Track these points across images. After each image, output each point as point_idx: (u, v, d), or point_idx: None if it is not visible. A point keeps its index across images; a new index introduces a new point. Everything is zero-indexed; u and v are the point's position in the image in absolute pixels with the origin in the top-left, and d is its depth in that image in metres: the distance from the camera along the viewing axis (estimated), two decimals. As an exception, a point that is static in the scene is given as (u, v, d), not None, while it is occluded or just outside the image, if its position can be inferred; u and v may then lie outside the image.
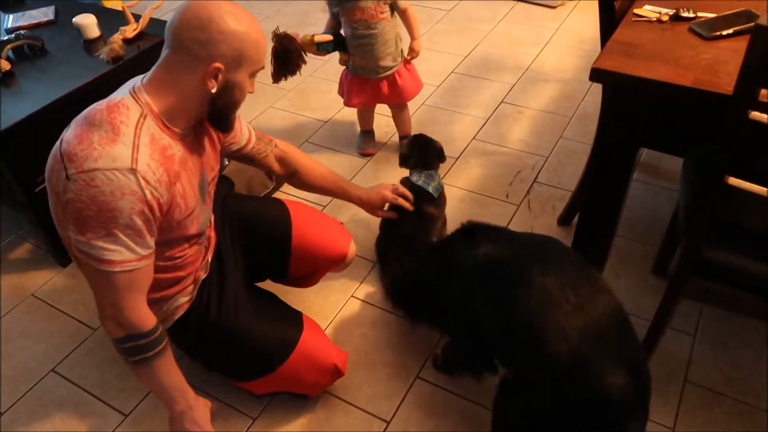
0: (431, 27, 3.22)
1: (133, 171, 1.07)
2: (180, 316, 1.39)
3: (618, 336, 1.14)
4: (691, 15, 1.39)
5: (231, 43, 1.10)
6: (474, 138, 2.44)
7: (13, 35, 1.99)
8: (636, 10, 1.44)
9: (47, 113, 1.76)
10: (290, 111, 2.67)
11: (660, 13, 1.41)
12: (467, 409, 1.55)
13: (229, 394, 1.58)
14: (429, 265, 1.56)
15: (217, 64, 1.11)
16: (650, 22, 1.40)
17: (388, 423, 1.53)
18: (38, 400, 1.63)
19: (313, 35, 2.00)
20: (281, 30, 1.90)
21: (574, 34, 3.08)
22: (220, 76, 1.13)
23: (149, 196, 1.09)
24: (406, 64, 2.22)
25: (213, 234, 1.49)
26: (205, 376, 1.58)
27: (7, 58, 1.94)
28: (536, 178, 2.24)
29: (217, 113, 1.20)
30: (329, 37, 2.06)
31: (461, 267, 1.40)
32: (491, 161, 2.32)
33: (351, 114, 2.61)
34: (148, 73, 1.16)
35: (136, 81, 1.18)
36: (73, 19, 2.05)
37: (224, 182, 1.67)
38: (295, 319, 1.49)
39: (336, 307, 1.82)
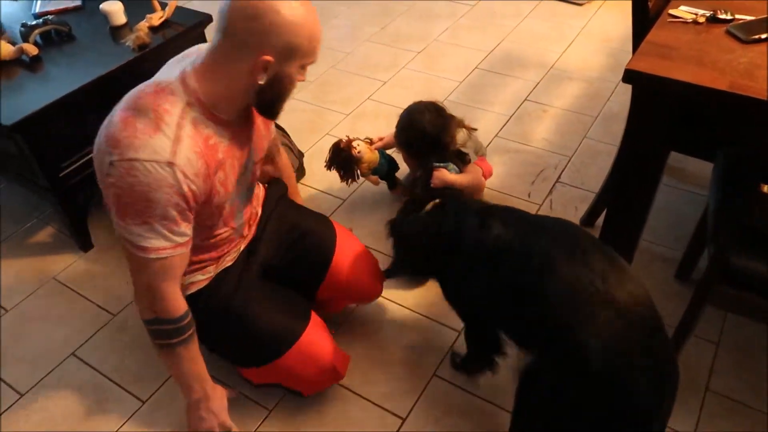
0: (455, 22, 3.20)
1: (171, 164, 1.07)
2: (192, 292, 1.38)
3: (647, 329, 1.12)
4: (729, 17, 1.36)
5: (283, 35, 1.07)
6: (497, 135, 2.42)
7: (41, 20, 2.00)
8: (671, 11, 1.41)
9: (72, 99, 1.77)
10: (312, 103, 2.66)
11: (696, 14, 1.38)
12: (483, 409, 1.54)
13: (246, 385, 1.59)
14: (431, 234, 1.46)
15: (267, 57, 1.08)
16: (686, 23, 1.37)
17: (403, 420, 1.53)
18: (58, 383, 1.65)
19: (372, 144, 2.02)
20: (343, 140, 1.97)
21: (600, 33, 3.04)
22: (269, 68, 1.10)
23: (185, 189, 1.10)
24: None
25: (254, 228, 1.50)
26: (220, 365, 1.59)
27: (35, 43, 1.96)
28: (559, 177, 2.21)
29: (264, 103, 1.19)
30: (377, 156, 2.01)
31: (470, 247, 1.34)
32: (514, 159, 2.30)
33: (373, 107, 2.60)
34: (200, 56, 1.14)
35: (187, 63, 1.16)
36: (100, 6, 2.06)
37: (279, 183, 1.66)
38: (302, 313, 1.47)
39: (354, 301, 1.82)
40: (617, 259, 1.20)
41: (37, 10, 2.16)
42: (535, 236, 1.25)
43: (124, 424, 1.55)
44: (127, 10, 2.08)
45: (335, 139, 2.00)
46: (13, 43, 1.93)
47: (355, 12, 3.33)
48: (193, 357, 1.27)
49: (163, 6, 2.09)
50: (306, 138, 2.43)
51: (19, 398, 1.61)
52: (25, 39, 1.96)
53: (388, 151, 2.09)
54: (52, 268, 1.97)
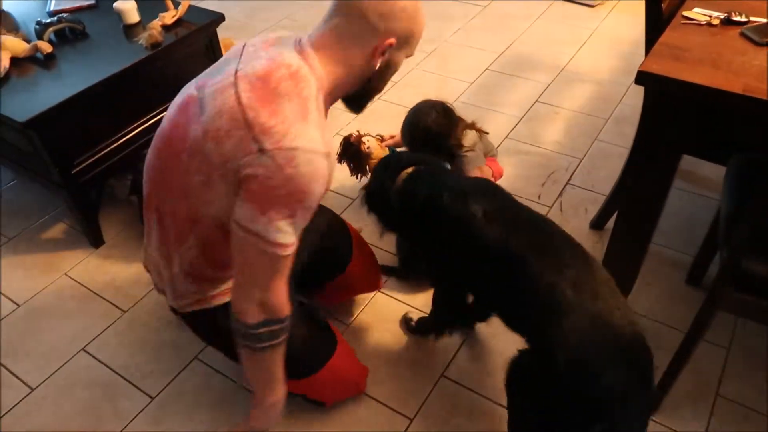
0: (467, 23, 3.19)
1: (327, 155, 1.04)
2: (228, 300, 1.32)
3: (620, 332, 1.13)
4: (743, 19, 1.34)
5: (407, 21, 1.08)
6: (507, 137, 2.41)
7: (55, 18, 2.02)
8: (685, 13, 1.40)
9: (86, 97, 1.78)
10: (322, 102, 2.66)
11: (710, 16, 1.37)
12: (491, 410, 1.53)
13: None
14: (404, 207, 1.44)
15: (392, 40, 1.08)
16: (700, 25, 1.36)
17: (411, 420, 1.53)
18: (68, 379, 1.66)
19: (383, 141, 2.01)
20: (353, 135, 1.97)
21: (612, 35, 3.02)
22: (387, 53, 1.10)
23: (331, 179, 1.08)
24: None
25: None
26: (228, 361, 1.60)
27: (49, 41, 1.97)
28: (569, 179, 2.20)
29: (364, 92, 1.18)
30: (386, 153, 1.98)
31: (445, 226, 1.33)
32: (524, 161, 2.29)
33: (383, 107, 2.60)
34: (313, 38, 1.10)
35: (300, 44, 1.09)
36: (114, 4, 2.07)
37: None
38: (331, 333, 1.48)
39: (363, 301, 1.82)
40: (587, 258, 1.23)
41: (51, 8, 2.18)
42: (512, 229, 1.25)
43: (133, 419, 1.56)
44: (141, 9, 2.10)
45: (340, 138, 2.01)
46: (28, 41, 1.95)
47: (367, 12, 3.32)
48: (282, 357, 1.22)
49: (176, 5, 2.10)
50: (316, 137, 2.43)
51: (30, 392, 1.63)
52: (40, 37, 1.97)
53: (399, 150, 2.09)
54: (64, 264, 1.99)
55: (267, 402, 1.26)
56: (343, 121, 2.54)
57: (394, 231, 1.56)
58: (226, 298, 1.32)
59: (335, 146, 1.08)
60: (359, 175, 2.00)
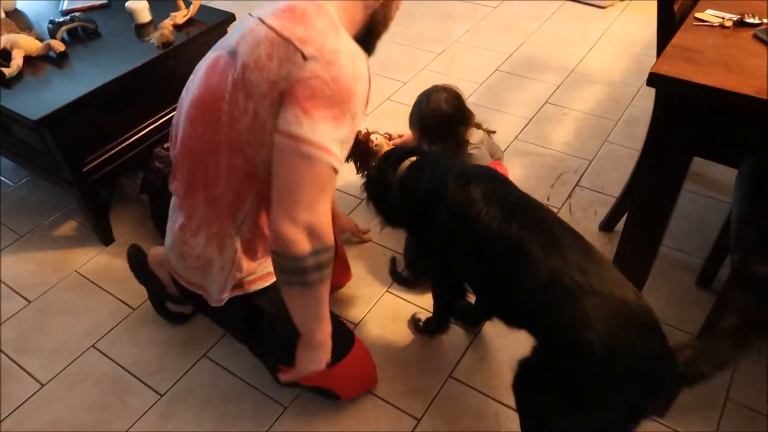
0: (476, 24, 3.19)
1: (366, 59, 1.08)
2: (267, 285, 1.33)
3: (633, 308, 1.13)
4: (756, 21, 1.33)
5: None
6: (516, 138, 2.41)
7: (68, 17, 2.03)
8: (697, 14, 1.39)
9: (98, 95, 1.79)
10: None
11: (723, 18, 1.36)
12: (498, 411, 1.53)
13: (262, 380, 1.60)
14: (407, 195, 1.43)
15: None
16: (712, 27, 1.35)
17: (418, 420, 1.53)
18: (77, 375, 1.67)
19: (391, 139, 2.00)
20: (361, 132, 1.96)
21: (623, 36, 3.01)
22: None
23: (370, 85, 1.10)
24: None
25: None
26: (237, 359, 1.61)
27: (62, 40, 1.99)
28: (579, 181, 2.19)
29: (371, 30, 1.20)
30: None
31: (447, 216, 1.32)
32: (533, 162, 2.29)
33: (392, 108, 2.60)
34: None
35: None
36: (126, 4, 2.09)
37: None
38: (345, 326, 1.52)
39: (371, 301, 1.82)
40: (589, 248, 1.22)
41: (64, 8, 2.20)
42: (512, 221, 1.22)
43: (142, 416, 1.57)
44: (152, 8, 2.11)
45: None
46: (41, 40, 1.97)
47: (377, 13, 3.33)
48: (327, 293, 1.19)
49: (188, 4, 2.11)
50: (325, 137, 2.43)
51: (40, 388, 1.64)
52: (53, 35, 1.99)
53: None
54: (74, 260, 2.00)
55: (315, 341, 1.24)
56: (353, 121, 2.54)
57: (393, 221, 1.55)
58: (270, 280, 1.34)
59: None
60: (365, 173, 2.00)
